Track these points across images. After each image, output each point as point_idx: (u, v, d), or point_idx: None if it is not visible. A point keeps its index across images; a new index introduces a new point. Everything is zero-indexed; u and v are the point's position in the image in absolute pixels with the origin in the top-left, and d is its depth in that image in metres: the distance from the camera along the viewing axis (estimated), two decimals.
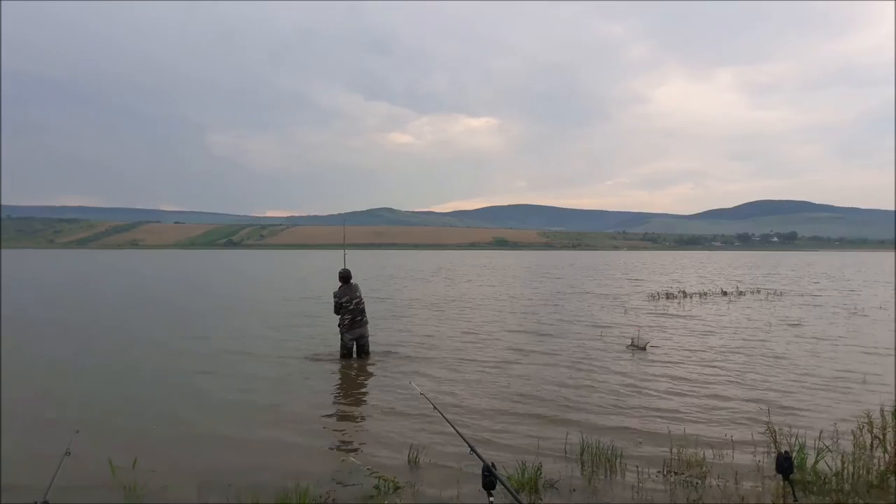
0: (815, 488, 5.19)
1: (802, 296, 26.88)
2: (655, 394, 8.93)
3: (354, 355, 11.38)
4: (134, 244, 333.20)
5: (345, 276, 11.49)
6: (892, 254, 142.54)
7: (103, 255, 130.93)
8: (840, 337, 14.53)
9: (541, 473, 5.39)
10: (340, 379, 10.22)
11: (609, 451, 5.95)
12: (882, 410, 6.49)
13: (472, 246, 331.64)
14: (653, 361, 11.40)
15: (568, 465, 6.00)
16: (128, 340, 13.96)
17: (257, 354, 12.13)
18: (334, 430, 7.46)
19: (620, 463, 5.90)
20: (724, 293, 26.85)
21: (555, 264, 74.84)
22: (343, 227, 14.80)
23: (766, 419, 7.16)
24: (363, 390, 9.43)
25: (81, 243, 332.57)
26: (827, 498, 5.03)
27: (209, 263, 78.11)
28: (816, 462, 5.49)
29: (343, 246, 12.91)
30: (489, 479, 3.07)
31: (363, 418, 7.94)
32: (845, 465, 5.34)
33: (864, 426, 6.14)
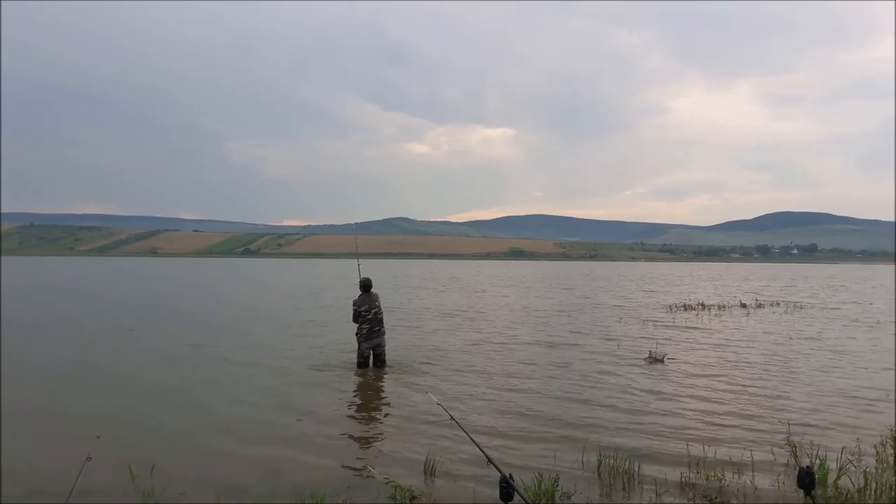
0: None
1: (822, 309, 26.51)
2: (673, 407, 8.84)
3: (371, 365, 11.39)
4: (153, 252, 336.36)
5: (365, 285, 11.49)
6: None
7: (122, 263, 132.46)
8: (861, 351, 14.30)
9: (558, 486, 5.36)
10: (357, 388, 10.23)
11: (627, 465, 5.90)
12: None
13: (488, 256, 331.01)
14: (671, 374, 11.30)
15: (585, 478, 5.96)
16: (144, 348, 14.10)
17: (273, 363, 12.19)
18: (351, 439, 7.47)
19: (638, 476, 5.85)
20: (743, 305, 26.57)
21: (570, 275, 74.48)
22: (355, 237, 14.83)
23: (785, 434, 7.05)
24: (379, 399, 9.44)
25: (101, 251, 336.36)
26: None
27: (227, 271, 78.69)
28: (839, 478, 5.40)
29: (356, 255, 12.96)
30: (506, 490, 3.05)
31: (379, 428, 7.94)
32: (868, 480, 5.26)
33: (886, 441, 6.04)
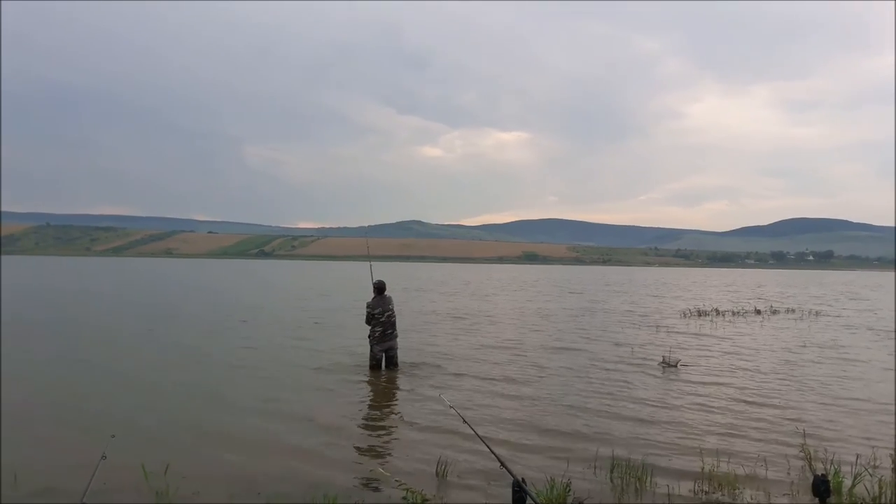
0: None
1: (838, 316, 26.24)
2: (686, 412, 8.79)
3: (383, 367, 11.42)
4: (168, 253, 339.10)
5: (379, 288, 11.50)
6: None
7: (137, 263, 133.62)
8: (876, 360, 14.14)
9: (570, 490, 5.34)
10: (369, 390, 10.26)
11: (639, 469, 5.88)
12: None
13: (501, 260, 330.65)
14: (684, 380, 11.23)
15: (597, 481, 5.95)
16: (158, 347, 14.23)
17: (286, 364, 12.26)
18: (363, 441, 7.49)
19: (651, 481, 5.83)
20: (758, 312, 26.34)
21: (584, 279, 74.22)
22: (366, 239, 14.87)
23: (799, 441, 7.00)
24: (392, 402, 9.46)
25: (117, 251, 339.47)
26: None
27: (241, 273, 79.14)
28: (854, 486, 5.36)
29: (368, 258, 12.99)
30: (519, 494, 3.06)
31: (391, 430, 7.96)
32: (883, 489, 5.21)
33: None
